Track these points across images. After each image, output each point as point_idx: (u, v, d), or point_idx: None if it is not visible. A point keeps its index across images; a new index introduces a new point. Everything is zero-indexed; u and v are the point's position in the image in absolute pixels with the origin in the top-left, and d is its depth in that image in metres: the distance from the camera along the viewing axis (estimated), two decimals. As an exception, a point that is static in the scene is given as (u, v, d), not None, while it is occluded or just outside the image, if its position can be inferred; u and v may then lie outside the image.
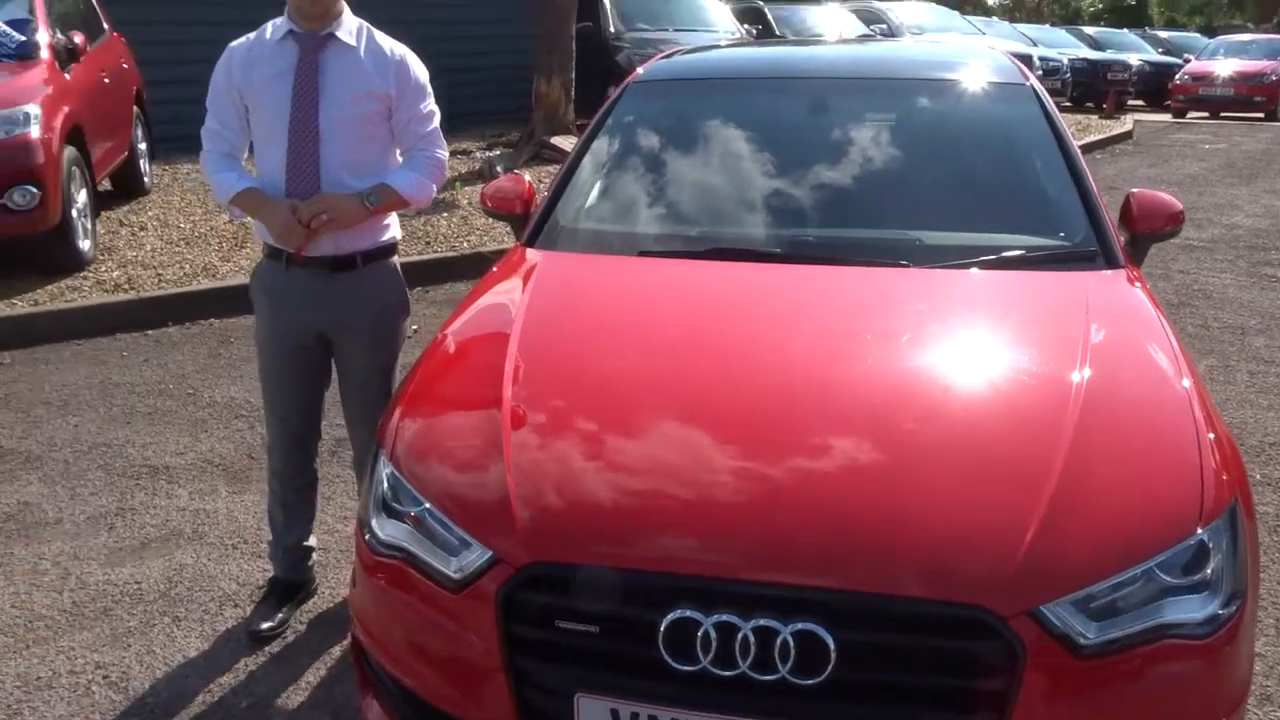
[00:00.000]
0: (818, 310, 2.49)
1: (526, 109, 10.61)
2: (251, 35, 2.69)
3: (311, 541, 3.06)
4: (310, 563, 3.07)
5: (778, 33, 13.95)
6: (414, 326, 5.56)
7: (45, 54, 6.30)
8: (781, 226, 2.86)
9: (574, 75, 10.23)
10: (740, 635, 1.66)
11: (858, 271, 2.61)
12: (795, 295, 2.55)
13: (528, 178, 3.29)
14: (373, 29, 2.72)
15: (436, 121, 2.77)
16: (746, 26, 13.01)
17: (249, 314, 5.71)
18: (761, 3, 15.24)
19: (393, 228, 2.83)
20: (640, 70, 3.55)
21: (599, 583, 1.77)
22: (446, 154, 2.80)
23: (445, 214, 7.64)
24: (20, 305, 5.57)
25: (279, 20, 2.67)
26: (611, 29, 11.79)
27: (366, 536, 2.08)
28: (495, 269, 2.86)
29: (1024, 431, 1.96)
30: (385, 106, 2.66)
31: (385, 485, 2.10)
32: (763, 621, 1.66)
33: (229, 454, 4.05)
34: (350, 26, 2.67)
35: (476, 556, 1.86)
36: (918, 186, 2.99)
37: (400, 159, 2.76)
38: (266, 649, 2.84)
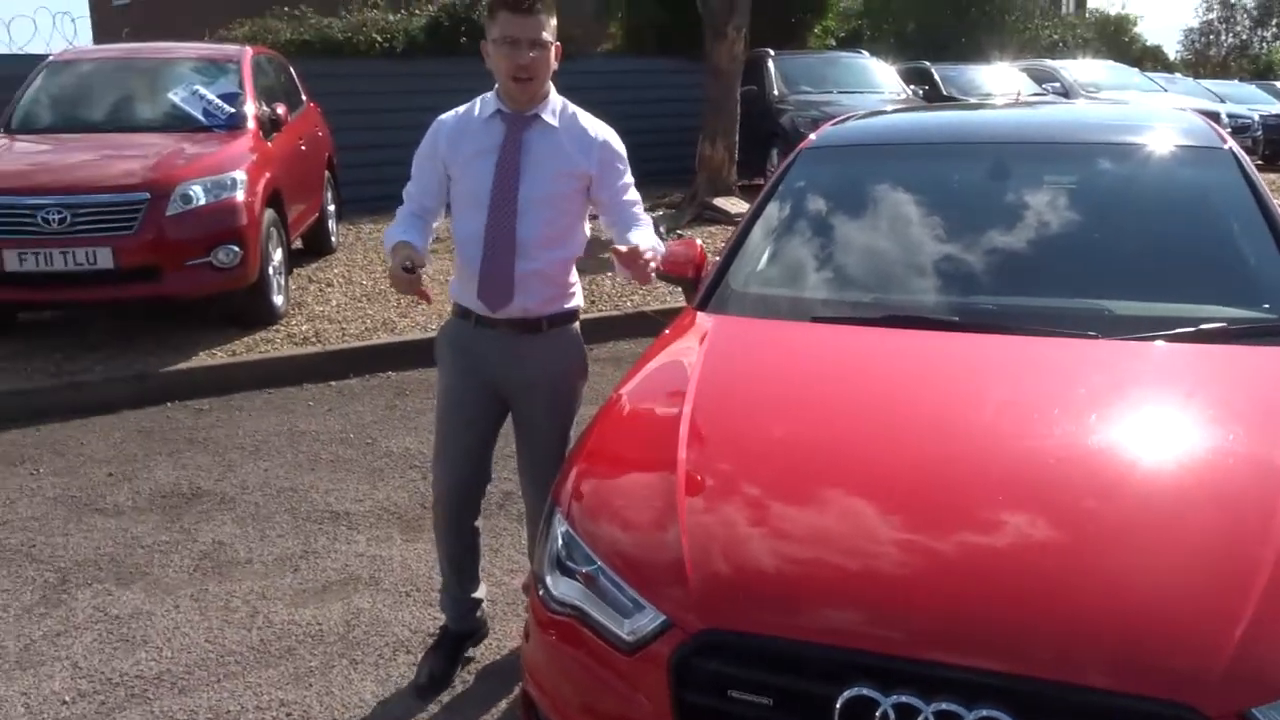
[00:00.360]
0: (997, 381, 2.43)
1: (689, 170, 10.78)
2: (461, 109, 2.83)
3: (480, 593, 3.12)
4: (479, 613, 3.13)
5: (945, 93, 13.76)
6: (579, 384, 5.68)
7: (251, 124, 6.83)
8: (959, 294, 2.81)
9: (737, 138, 10.35)
10: (921, 718, 1.61)
11: (1040, 342, 2.53)
12: (973, 365, 2.50)
13: (700, 242, 3.34)
14: (577, 110, 2.83)
15: (636, 194, 2.88)
16: (913, 88, 12.89)
17: (424, 368, 6.07)
18: (928, 63, 15.09)
19: (577, 295, 2.92)
20: (813, 136, 3.58)
21: (774, 654, 1.76)
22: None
23: (609, 273, 7.78)
24: (220, 356, 5.98)
25: (488, 97, 2.80)
26: (775, 92, 11.89)
27: (541, 593, 2.12)
28: (667, 331, 2.91)
29: (1227, 517, 1.85)
30: (583, 184, 2.76)
31: (560, 543, 2.15)
32: (945, 705, 1.61)
33: (404, 503, 4.21)
34: (555, 106, 2.78)
35: (649, 620, 1.87)
36: (1105, 254, 2.88)
37: (606, 225, 2.86)
38: (436, 697, 2.92)
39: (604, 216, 2.84)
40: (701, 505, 2.03)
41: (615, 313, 6.86)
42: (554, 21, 2.69)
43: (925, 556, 1.85)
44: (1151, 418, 2.21)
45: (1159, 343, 2.47)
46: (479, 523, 3.04)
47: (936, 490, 1.99)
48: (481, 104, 2.80)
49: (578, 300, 2.93)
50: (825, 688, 1.68)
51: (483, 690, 2.94)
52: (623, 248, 2.54)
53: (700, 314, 2.93)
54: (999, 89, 13.82)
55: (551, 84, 2.78)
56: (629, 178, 2.85)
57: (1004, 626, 1.69)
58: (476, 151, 2.72)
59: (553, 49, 2.70)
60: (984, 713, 1.59)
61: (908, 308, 2.78)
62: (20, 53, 10.32)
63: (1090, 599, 1.70)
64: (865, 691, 1.65)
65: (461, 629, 3.08)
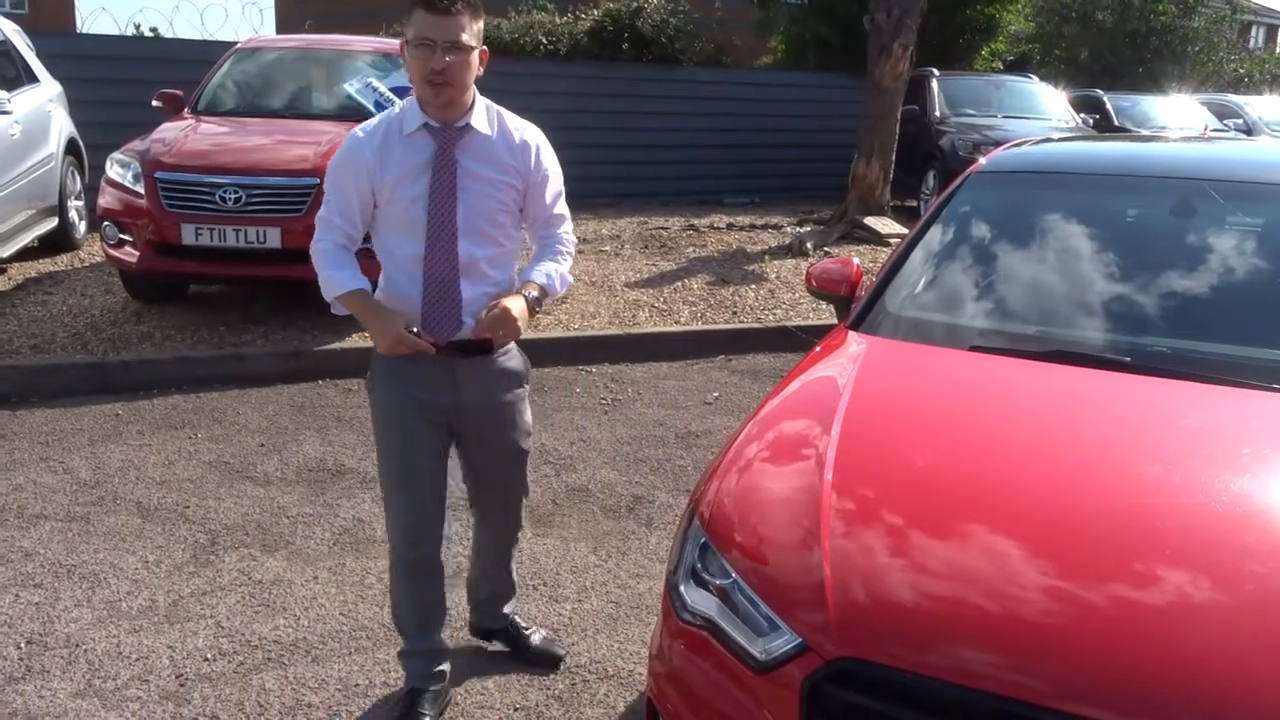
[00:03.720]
0: (1166, 428, 2.29)
1: (840, 187, 10.63)
2: (374, 123, 2.55)
3: (446, 645, 2.88)
4: (446, 669, 2.86)
5: (1117, 124, 13.19)
6: (714, 394, 5.67)
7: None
8: (1132, 333, 2.67)
9: (894, 158, 10.16)
10: (1061, 771, 1.53)
11: (1217, 391, 2.38)
12: (1141, 409, 2.36)
13: (856, 260, 3.27)
14: (504, 111, 2.61)
15: (564, 203, 2.72)
16: (1083, 116, 12.40)
17: (564, 365, 6.16)
18: (1100, 92, 14.50)
19: None
20: (983, 160, 3.46)
21: (910, 689, 1.70)
22: (573, 234, 2.76)
23: (753, 285, 7.76)
24: (371, 338, 6.19)
25: (409, 107, 2.53)
26: (936, 113, 11.62)
27: (673, 600, 2.11)
28: (818, 348, 2.85)
29: None
30: (520, 193, 2.60)
31: (696, 552, 2.12)
32: (1092, 763, 1.52)
33: (535, 498, 4.26)
34: (482, 114, 2.55)
35: (785, 641, 1.83)
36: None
37: (532, 235, 2.69)
38: (552, 690, 2.94)
39: (530, 233, 2.68)
40: (846, 530, 1.98)
41: (756, 325, 6.81)
42: (479, 25, 2.46)
43: (1075, 605, 1.76)
44: (1343, 482, 2.04)
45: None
46: (441, 565, 2.78)
47: (1090, 537, 1.90)
48: (403, 116, 2.52)
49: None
50: (964, 732, 1.61)
51: (603, 692, 2.95)
52: (484, 314, 2.49)
53: (853, 333, 2.86)
54: (1176, 122, 13.17)
55: (475, 89, 2.55)
56: (560, 188, 2.69)
57: (1152, 685, 1.59)
58: (405, 172, 2.48)
59: (475, 53, 2.45)
60: (1137, 777, 1.49)
61: (1075, 344, 2.65)
62: (211, 39, 10.96)
63: (1250, 666, 1.58)
64: (1007, 740, 1.57)
65: (428, 685, 2.80)
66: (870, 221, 9.80)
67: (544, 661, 3.06)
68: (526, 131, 2.62)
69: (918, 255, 3.10)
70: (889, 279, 3.04)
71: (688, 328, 6.69)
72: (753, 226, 10.29)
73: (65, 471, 4.39)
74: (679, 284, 7.76)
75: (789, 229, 10.17)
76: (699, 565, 2.10)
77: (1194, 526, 1.91)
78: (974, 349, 2.69)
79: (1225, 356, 2.57)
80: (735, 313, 7.11)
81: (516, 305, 2.51)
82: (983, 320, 2.84)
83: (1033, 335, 2.75)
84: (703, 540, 2.13)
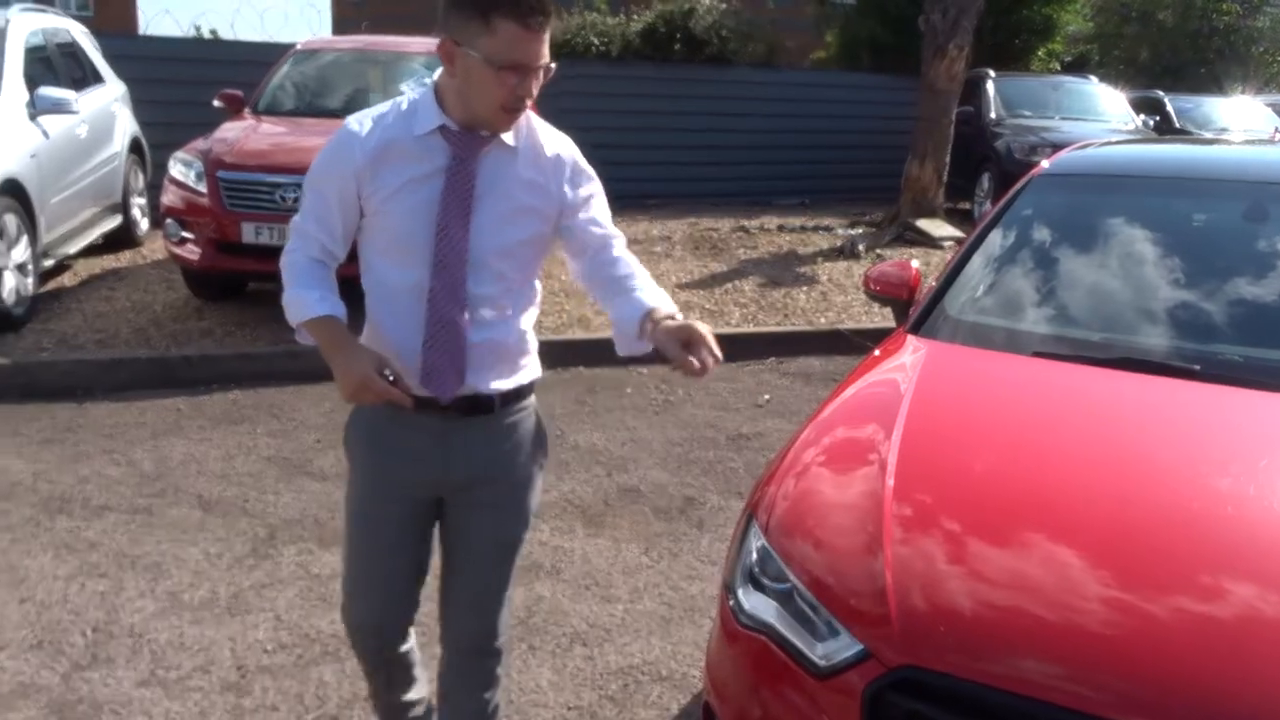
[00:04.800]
0: (1236, 438, 2.25)
1: (892, 189, 10.55)
2: (375, 115, 2.04)
3: (420, 692, 2.45)
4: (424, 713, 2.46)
5: (1178, 126, 12.94)
6: (766, 396, 5.65)
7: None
8: (1199, 341, 2.62)
9: (948, 159, 10.05)
10: (1137, 790, 1.50)
11: (1289, 400, 2.33)
12: (1210, 418, 2.32)
13: (915, 264, 3.24)
14: (531, 116, 2.07)
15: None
16: (1143, 118, 12.18)
17: (615, 365, 6.17)
18: (1161, 93, 14.23)
19: (533, 365, 2.22)
20: (1045, 163, 3.41)
21: (974, 699, 1.69)
22: None
23: (805, 287, 7.72)
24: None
25: (420, 103, 2.02)
26: (992, 114, 11.47)
27: (730, 604, 2.10)
28: (877, 352, 2.83)
29: None
30: (550, 223, 2.08)
31: (754, 556, 2.12)
32: (1166, 781, 1.49)
33: (588, 497, 4.28)
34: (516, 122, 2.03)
35: (845, 647, 1.83)
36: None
37: (584, 262, 2.13)
38: (605, 691, 2.94)
39: (579, 260, 2.13)
40: (907, 536, 1.97)
41: (808, 328, 6.78)
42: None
43: (1138, 616, 1.75)
44: None
45: None
46: (413, 646, 2.37)
47: (1155, 548, 1.88)
48: (413, 112, 2.02)
49: (536, 370, 2.22)
50: (1027, 742, 1.60)
51: (656, 693, 2.95)
52: (671, 323, 1.95)
53: (912, 337, 2.84)
54: (1239, 125, 12.89)
55: None
56: (602, 195, 2.16)
57: (1215, 699, 1.57)
58: (410, 179, 1.98)
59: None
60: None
61: (1142, 350, 2.61)
62: (270, 41, 11.14)
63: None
64: (1078, 754, 1.55)
65: None
66: (923, 224, 9.71)
67: None
68: (559, 143, 2.10)
69: (979, 259, 3.07)
70: (949, 283, 3.01)
71: (739, 329, 6.67)
72: (804, 228, 10.24)
73: (129, 464, 4.49)
74: (730, 285, 7.75)
75: (840, 231, 10.11)
76: (757, 569, 2.10)
77: (1263, 539, 1.87)
78: (1037, 355, 2.65)
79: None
80: (786, 315, 7.08)
81: (694, 327, 1.95)
82: (1046, 325, 2.81)
83: (1097, 341, 2.71)
84: (761, 544, 2.12)
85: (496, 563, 2.20)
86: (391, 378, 1.97)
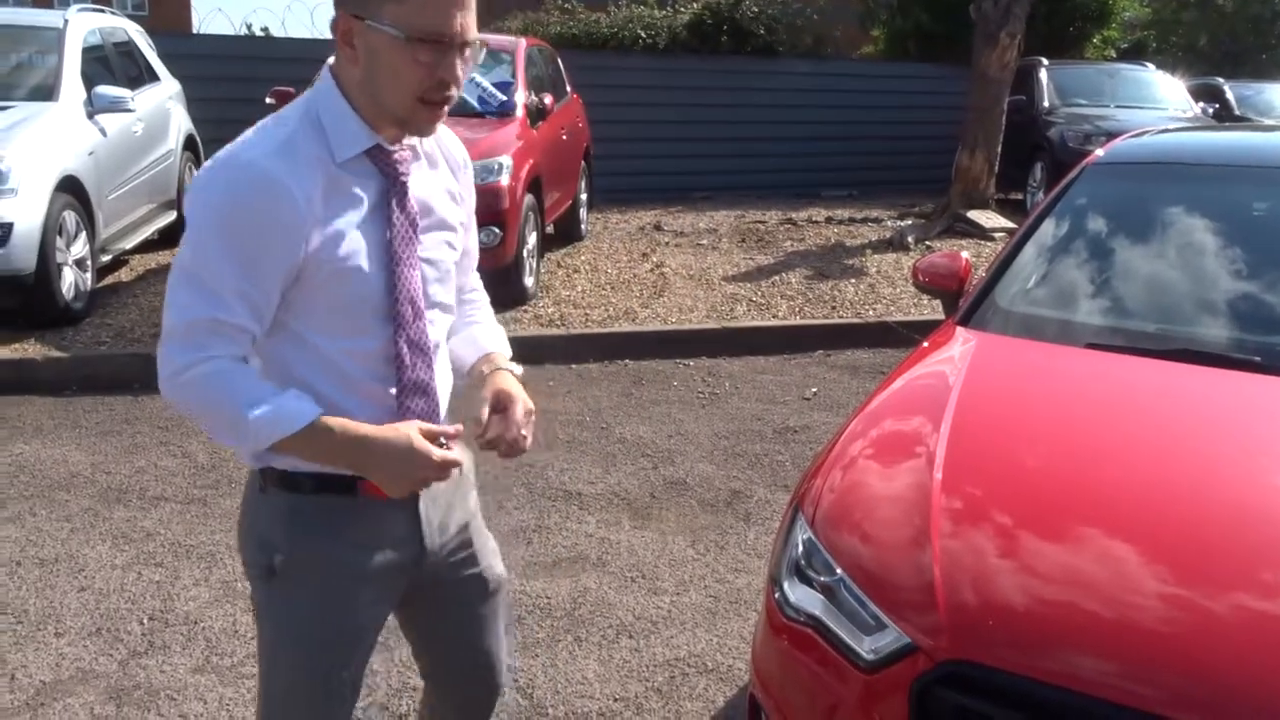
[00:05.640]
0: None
1: (942, 180, 10.42)
2: (274, 140, 1.53)
3: None
4: None
5: (1238, 114, 12.62)
6: (813, 389, 5.62)
7: (520, 112, 7.14)
8: (1259, 332, 2.55)
9: (999, 150, 9.90)
10: (1182, 785, 1.47)
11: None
12: (1271, 411, 2.26)
13: (966, 255, 3.20)
14: None
15: None
16: (1201, 105, 11.90)
17: (661, 358, 6.18)
18: (1220, 80, 13.89)
19: None
20: (1100, 152, 3.35)
21: (1025, 695, 1.66)
22: None
23: (853, 280, 7.66)
24: (472, 330, 6.29)
25: (326, 114, 1.57)
26: (1045, 103, 11.27)
27: (776, 596, 2.09)
28: (926, 344, 2.80)
29: None
30: (465, 234, 1.80)
31: (800, 549, 2.10)
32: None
33: (634, 490, 4.28)
34: None
35: (893, 641, 1.81)
36: None
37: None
38: (651, 683, 2.94)
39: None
40: (955, 530, 1.94)
41: (856, 320, 6.72)
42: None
43: (1194, 613, 1.71)
44: None
45: None
46: None
47: (1212, 543, 1.83)
48: (325, 134, 1.56)
49: None
50: (1077, 738, 1.57)
51: (702, 686, 2.95)
52: (487, 396, 1.69)
53: (962, 329, 2.80)
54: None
55: None
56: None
57: (1275, 697, 1.52)
58: (351, 224, 1.56)
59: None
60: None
61: (1199, 341, 2.55)
62: (321, 37, 11.27)
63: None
64: (1127, 750, 1.52)
65: None
66: (974, 215, 9.58)
67: None
68: (456, 143, 1.78)
69: (1031, 249, 3.02)
70: (1000, 273, 2.96)
71: (786, 322, 6.63)
72: (851, 220, 10.15)
73: (184, 455, 4.57)
74: (777, 278, 7.70)
75: (889, 222, 10.00)
76: (803, 562, 2.08)
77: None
78: (1090, 346, 2.60)
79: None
80: (834, 307, 7.02)
81: (521, 392, 1.73)
82: (1099, 317, 2.76)
83: (1153, 333, 2.65)
84: (807, 536, 2.10)
85: (496, 603, 1.90)
86: (441, 438, 1.60)
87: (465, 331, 1.84)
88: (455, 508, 1.80)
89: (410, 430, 1.56)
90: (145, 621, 3.24)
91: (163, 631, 3.19)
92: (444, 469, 1.58)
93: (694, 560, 3.67)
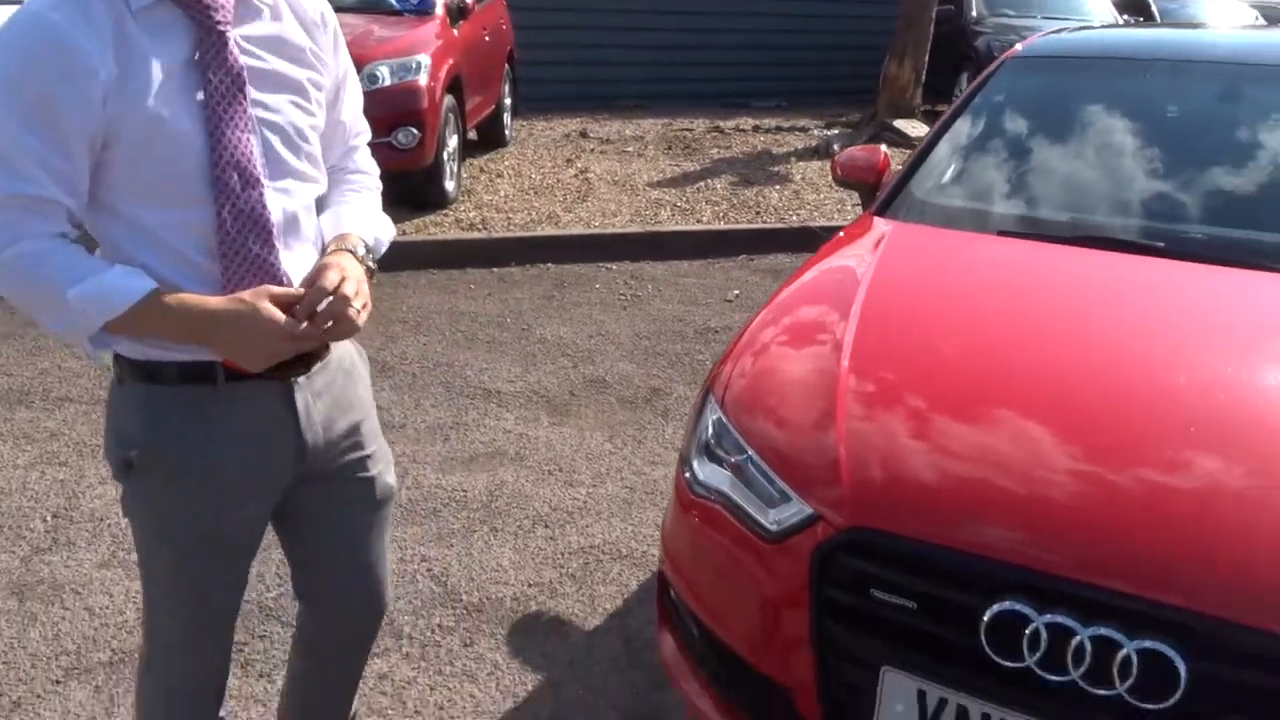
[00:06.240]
0: (1197, 314, 2.24)
1: (870, 90, 10.38)
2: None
3: None
4: None
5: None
6: (735, 292, 5.63)
7: (439, 11, 6.91)
8: (1165, 220, 2.60)
9: (927, 59, 9.88)
10: (1075, 641, 1.52)
11: (1250, 276, 2.32)
12: (1172, 294, 2.31)
13: (884, 148, 3.19)
14: None
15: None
16: (1126, 18, 11.99)
17: (584, 262, 6.13)
18: (1145, -5, 13.99)
19: None
20: (1019, 46, 3.35)
21: (924, 558, 1.69)
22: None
23: (778, 187, 7.64)
24: (391, 232, 6.16)
25: None
26: (974, 13, 11.25)
27: (686, 475, 2.10)
28: (842, 233, 2.80)
29: None
30: (329, 95, 1.65)
31: (710, 430, 2.12)
32: (1103, 631, 1.51)
33: (553, 388, 4.27)
34: None
35: (796, 512, 1.83)
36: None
37: (329, 182, 1.70)
38: (566, 569, 2.97)
39: (326, 155, 1.69)
40: (862, 411, 1.96)
41: (779, 225, 6.72)
42: None
43: (1097, 484, 1.73)
44: (1374, 367, 2.00)
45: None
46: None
47: (1116, 419, 1.86)
48: None
49: None
50: (974, 599, 1.61)
51: (616, 571, 2.98)
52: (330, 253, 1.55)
53: (878, 219, 2.80)
54: (1226, 25, 12.72)
55: None
56: (357, 80, 1.76)
57: (1181, 560, 1.57)
58: (154, 83, 1.40)
59: None
60: (1146, 644, 1.48)
61: (1107, 228, 2.59)
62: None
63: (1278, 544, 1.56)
64: (1018, 607, 1.56)
65: None
66: (900, 124, 9.58)
67: None
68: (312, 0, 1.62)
69: (947, 141, 3.03)
70: (917, 165, 2.97)
71: (710, 227, 6.61)
72: (779, 129, 10.10)
73: (87, 357, 4.42)
74: (702, 184, 7.66)
75: (816, 131, 9.97)
76: (713, 442, 2.09)
77: (1224, 411, 1.87)
78: (1002, 234, 2.63)
79: (1261, 243, 2.50)
80: (758, 213, 7.01)
81: (354, 268, 1.56)
82: (1012, 205, 2.78)
83: (1064, 220, 2.68)
84: (717, 418, 2.11)
85: (381, 516, 1.81)
86: (296, 303, 1.49)
87: (333, 209, 1.69)
88: (343, 404, 1.69)
89: (257, 297, 1.46)
90: (49, 519, 3.17)
91: (67, 528, 3.12)
92: (298, 339, 1.49)
93: (611, 454, 3.69)
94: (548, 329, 4.98)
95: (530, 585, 2.90)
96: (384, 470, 1.79)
